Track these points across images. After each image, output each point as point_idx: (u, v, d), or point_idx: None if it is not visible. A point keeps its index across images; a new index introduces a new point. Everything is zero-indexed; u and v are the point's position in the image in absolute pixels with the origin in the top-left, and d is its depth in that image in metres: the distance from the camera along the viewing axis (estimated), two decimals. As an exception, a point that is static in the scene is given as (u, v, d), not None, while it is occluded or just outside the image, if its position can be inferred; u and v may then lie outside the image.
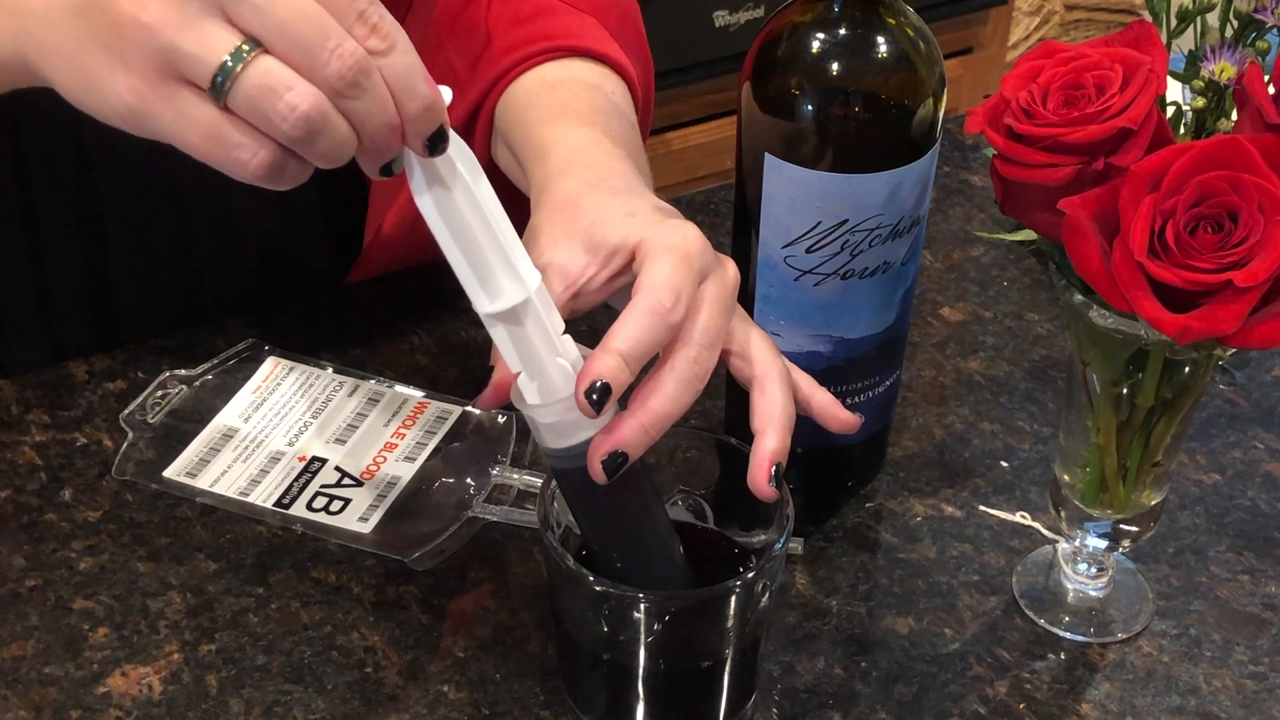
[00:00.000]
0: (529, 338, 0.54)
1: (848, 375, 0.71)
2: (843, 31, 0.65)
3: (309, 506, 0.74)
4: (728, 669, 0.62)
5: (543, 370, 0.55)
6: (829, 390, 0.72)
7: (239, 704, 0.65)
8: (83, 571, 0.71)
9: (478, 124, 0.76)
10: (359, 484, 0.75)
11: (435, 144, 0.51)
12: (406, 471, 0.76)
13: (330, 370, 0.82)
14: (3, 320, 0.85)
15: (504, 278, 0.53)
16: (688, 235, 0.58)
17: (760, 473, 0.59)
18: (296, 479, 0.75)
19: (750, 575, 0.58)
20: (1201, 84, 0.57)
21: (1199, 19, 0.59)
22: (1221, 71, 0.57)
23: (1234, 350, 0.58)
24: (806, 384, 0.64)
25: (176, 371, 0.81)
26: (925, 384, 0.84)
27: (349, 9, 0.48)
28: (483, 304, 0.53)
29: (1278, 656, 0.69)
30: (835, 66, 0.66)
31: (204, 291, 0.89)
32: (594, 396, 0.54)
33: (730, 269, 0.60)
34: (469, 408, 0.80)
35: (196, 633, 0.68)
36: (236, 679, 0.66)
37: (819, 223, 0.66)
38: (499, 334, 0.54)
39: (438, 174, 0.52)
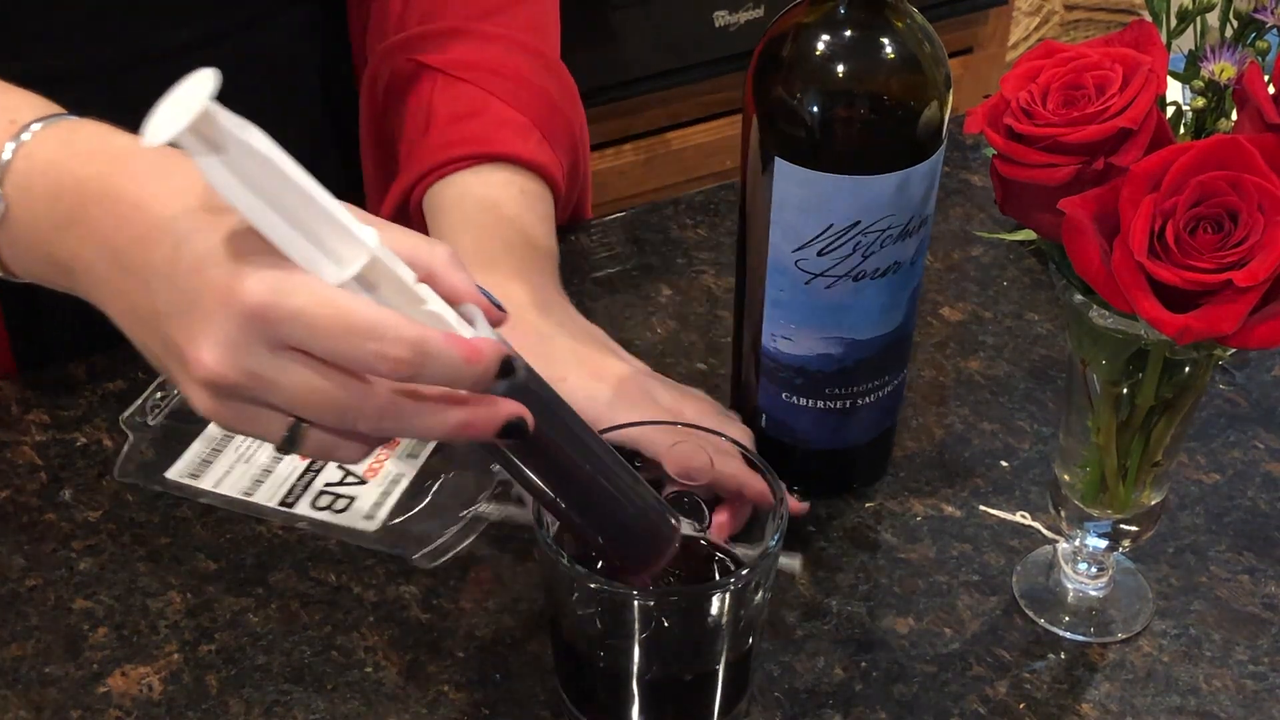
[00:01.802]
0: (388, 298, 0.52)
1: (857, 376, 0.71)
2: (852, 33, 0.65)
3: (314, 505, 0.74)
4: (722, 667, 0.62)
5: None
6: (833, 393, 0.72)
7: (239, 704, 0.65)
8: (83, 571, 0.71)
9: (410, 208, 0.83)
10: (362, 482, 0.75)
11: (506, 375, 0.53)
12: (410, 469, 0.76)
13: None
14: (34, 313, 0.85)
15: (341, 244, 0.51)
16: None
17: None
18: (299, 478, 0.75)
19: (745, 572, 0.58)
20: (1201, 84, 0.57)
21: (1199, 19, 0.59)
22: (1221, 71, 0.56)
23: (1234, 350, 0.58)
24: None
25: None
26: (925, 384, 0.84)
27: (364, 354, 0.50)
28: (332, 274, 0.51)
29: (1278, 656, 0.69)
30: (849, 69, 0.66)
31: None
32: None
33: None
34: None
35: (196, 633, 0.68)
36: (236, 679, 0.66)
37: (830, 225, 0.66)
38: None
39: (240, 163, 0.48)
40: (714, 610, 0.59)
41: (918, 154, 0.66)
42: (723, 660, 0.61)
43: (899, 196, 0.66)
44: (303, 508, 0.74)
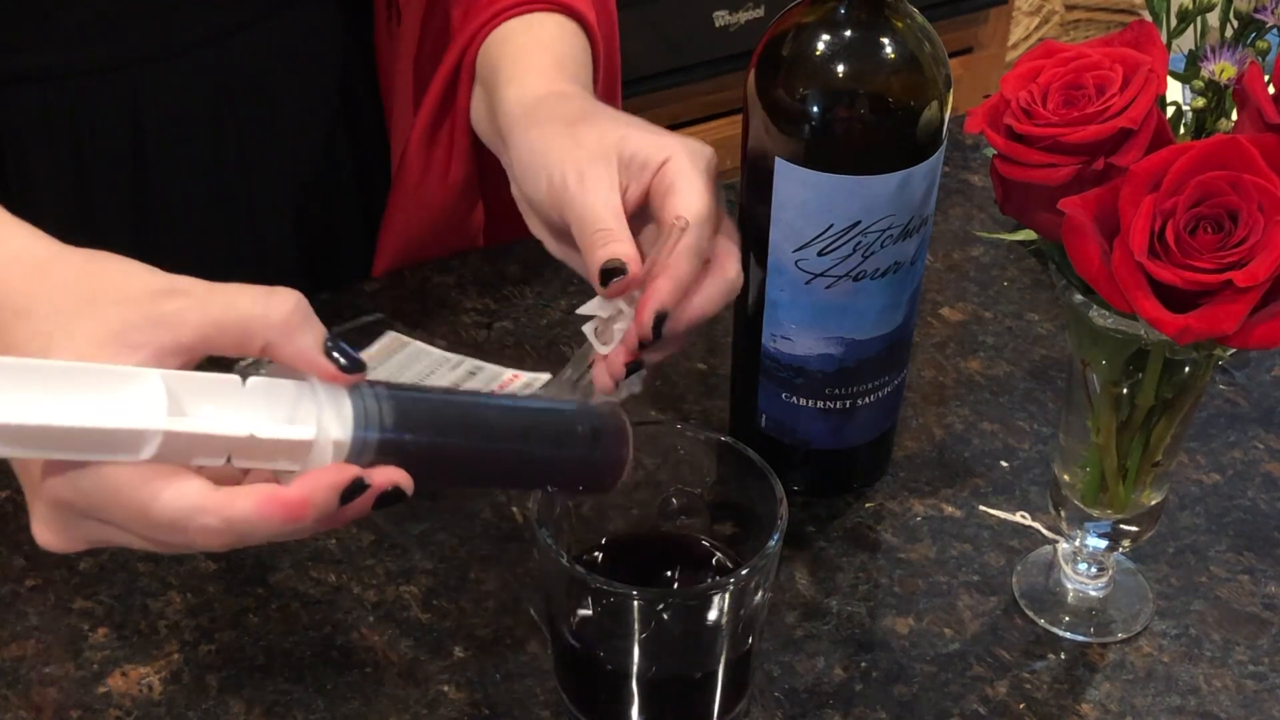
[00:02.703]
0: (204, 457, 0.48)
1: (858, 376, 0.71)
2: (852, 33, 0.65)
3: None
4: (722, 666, 0.62)
5: (270, 447, 0.49)
6: (833, 393, 0.72)
7: (239, 704, 0.65)
8: (83, 571, 0.71)
9: (462, 69, 0.82)
10: None
11: (351, 497, 0.49)
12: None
13: (439, 350, 0.83)
14: None
15: (130, 435, 0.47)
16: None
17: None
18: None
19: (744, 572, 0.58)
20: (1201, 84, 0.57)
21: (1199, 19, 0.59)
22: (1221, 71, 0.56)
23: (1234, 350, 0.58)
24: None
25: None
26: (925, 384, 0.84)
27: (176, 543, 0.49)
28: (137, 455, 0.47)
29: (1278, 656, 0.69)
30: (849, 69, 0.65)
31: None
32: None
33: None
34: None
35: (196, 633, 0.68)
36: (236, 679, 0.66)
37: (831, 225, 0.66)
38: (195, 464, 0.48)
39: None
40: (714, 610, 0.59)
41: (918, 154, 0.66)
42: (723, 660, 0.61)
43: (899, 196, 0.66)
44: None
